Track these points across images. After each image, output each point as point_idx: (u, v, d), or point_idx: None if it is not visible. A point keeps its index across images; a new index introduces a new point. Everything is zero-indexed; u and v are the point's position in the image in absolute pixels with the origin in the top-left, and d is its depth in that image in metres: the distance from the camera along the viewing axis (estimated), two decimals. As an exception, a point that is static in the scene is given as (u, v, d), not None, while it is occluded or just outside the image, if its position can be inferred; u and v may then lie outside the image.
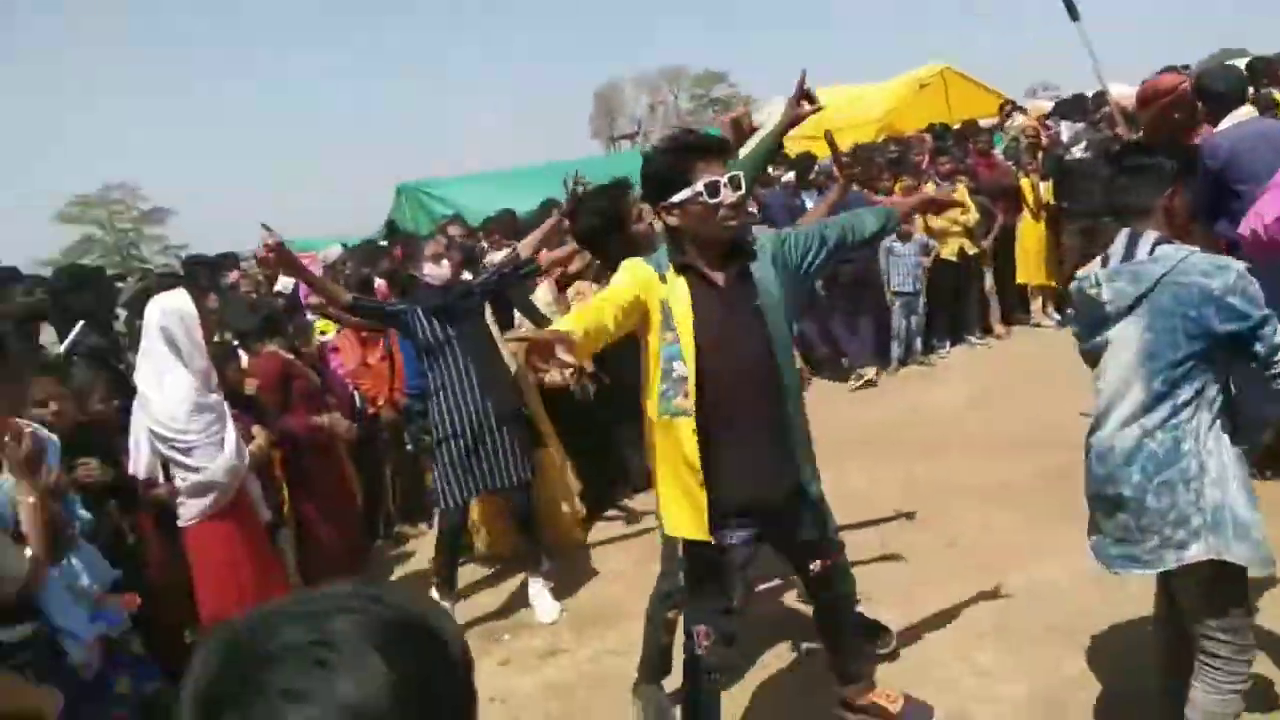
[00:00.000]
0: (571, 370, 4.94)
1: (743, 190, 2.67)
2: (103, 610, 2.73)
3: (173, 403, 3.59)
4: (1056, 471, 4.79)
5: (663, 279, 2.68)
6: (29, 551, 2.42)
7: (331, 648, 0.69)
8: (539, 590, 4.72)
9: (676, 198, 2.64)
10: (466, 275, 5.22)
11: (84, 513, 3.01)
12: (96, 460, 3.31)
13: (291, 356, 4.80)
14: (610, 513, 5.95)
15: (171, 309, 3.69)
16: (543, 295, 5.89)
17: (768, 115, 19.48)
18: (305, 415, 4.63)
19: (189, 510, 3.62)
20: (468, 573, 5.22)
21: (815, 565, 3.00)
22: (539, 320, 5.46)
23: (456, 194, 11.97)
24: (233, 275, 7.01)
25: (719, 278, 2.70)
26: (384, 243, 9.10)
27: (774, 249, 2.79)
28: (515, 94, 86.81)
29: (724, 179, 2.62)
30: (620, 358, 5.51)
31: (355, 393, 5.56)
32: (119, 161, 78.43)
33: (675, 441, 2.67)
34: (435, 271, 4.54)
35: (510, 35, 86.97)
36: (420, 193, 12.25)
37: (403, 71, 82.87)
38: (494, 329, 4.94)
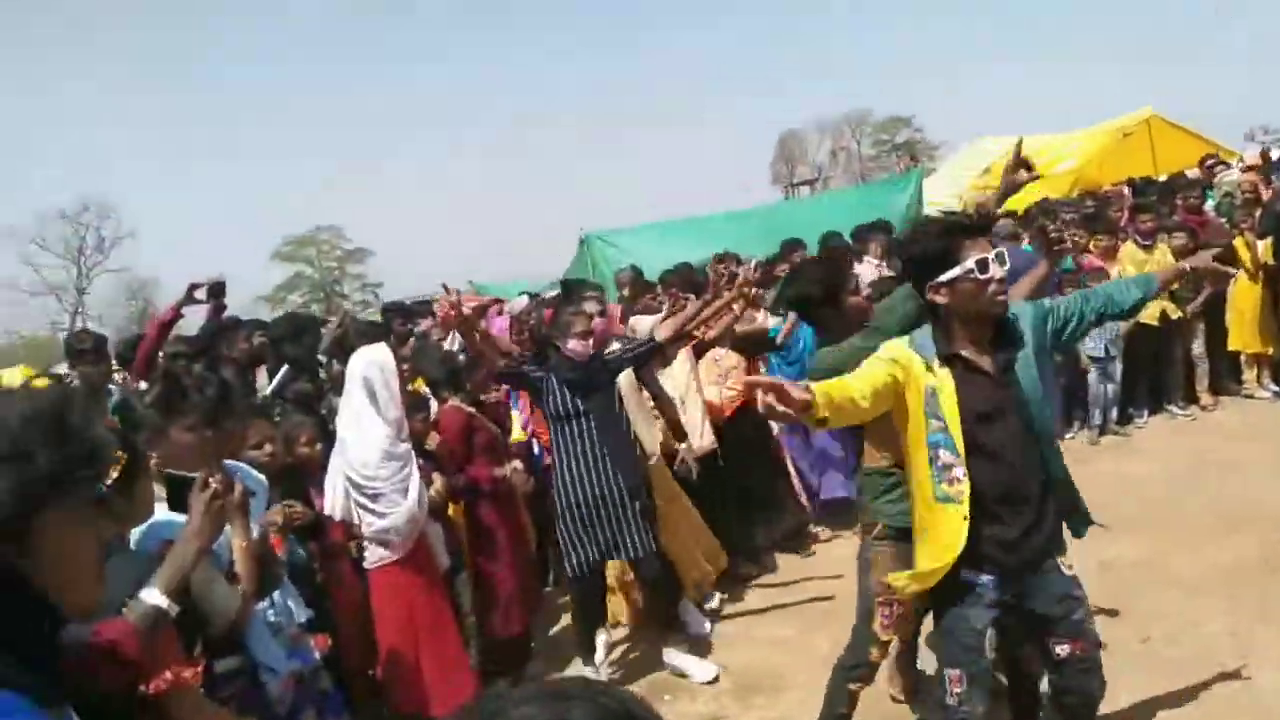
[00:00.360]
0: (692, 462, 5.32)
1: (1008, 266, 2.72)
2: (298, 648, 2.94)
3: (366, 450, 3.83)
4: (1269, 561, 4.38)
5: (929, 366, 2.74)
6: (240, 589, 2.64)
7: None
8: (679, 657, 4.75)
9: (945, 276, 2.71)
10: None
11: (300, 550, 3.27)
12: (300, 504, 3.57)
13: (473, 410, 5.01)
14: (768, 578, 5.88)
15: (374, 361, 3.96)
16: (680, 365, 5.80)
17: (954, 162, 18.95)
18: (486, 466, 4.81)
19: (372, 554, 3.85)
20: (625, 632, 5.28)
21: (1064, 648, 2.88)
22: (659, 392, 5.51)
23: (636, 243, 12.21)
24: (425, 323, 7.42)
25: (986, 363, 2.75)
26: (551, 294, 9.37)
27: (1034, 320, 2.84)
28: (696, 137, 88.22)
29: (991, 255, 2.69)
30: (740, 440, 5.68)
31: (534, 440, 5.75)
32: (326, 206, 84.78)
33: (941, 524, 2.75)
34: (577, 348, 4.59)
35: (693, 78, 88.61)
36: (601, 241, 12.59)
37: (585, 113, 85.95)
38: (631, 395, 5.07)
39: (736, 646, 5.01)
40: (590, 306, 4.89)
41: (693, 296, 8.50)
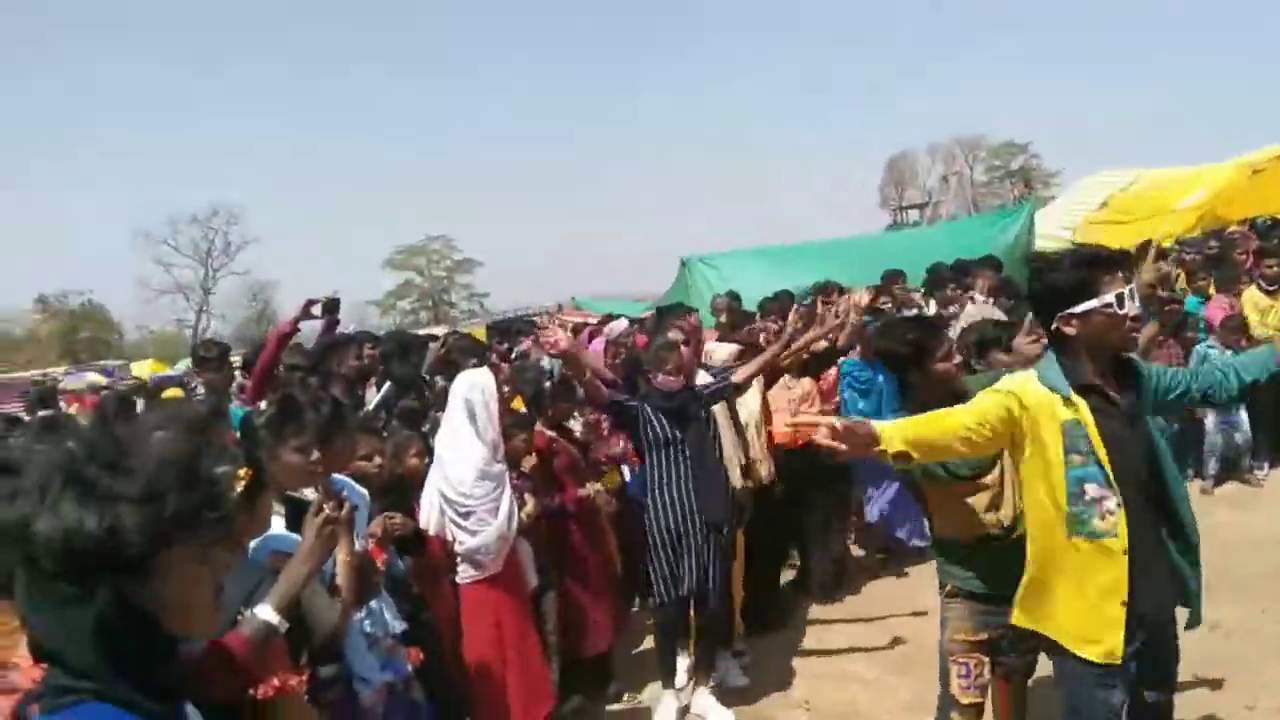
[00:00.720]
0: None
1: (1138, 303, 2.74)
2: (392, 659, 3.08)
3: (463, 468, 3.97)
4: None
5: (1066, 400, 2.70)
6: (340, 601, 2.78)
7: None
8: (707, 702, 4.75)
9: (1081, 308, 2.69)
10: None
11: (400, 563, 3.41)
12: (402, 515, 3.73)
13: (554, 434, 5.09)
14: (840, 613, 5.84)
15: (475, 383, 4.11)
16: (752, 393, 5.61)
17: (1069, 196, 18.36)
18: (571, 487, 4.91)
19: (464, 571, 3.98)
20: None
21: (1158, 696, 2.90)
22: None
23: (736, 269, 12.23)
24: (526, 342, 7.62)
25: (1118, 396, 2.74)
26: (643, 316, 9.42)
27: (1141, 378, 2.84)
28: (805, 158, 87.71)
29: (1127, 291, 2.68)
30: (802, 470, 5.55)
31: (625, 466, 5.83)
32: (436, 216, 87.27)
33: (1092, 563, 2.66)
34: (668, 383, 4.63)
35: (804, 96, 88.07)
36: (702, 265, 12.65)
37: (698, 135, 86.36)
38: (724, 422, 5.11)
39: (819, 677, 4.99)
40: (674, 335, 4.88)
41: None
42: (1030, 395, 2.71)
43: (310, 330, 5.52)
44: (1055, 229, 14.57)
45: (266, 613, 2.05)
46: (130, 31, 72.70)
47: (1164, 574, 2.77)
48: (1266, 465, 7.77)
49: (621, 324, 7.75)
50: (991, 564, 3.18)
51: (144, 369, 19.52)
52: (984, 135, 57.58)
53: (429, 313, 50.80)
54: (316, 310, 4.89)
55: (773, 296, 8.59)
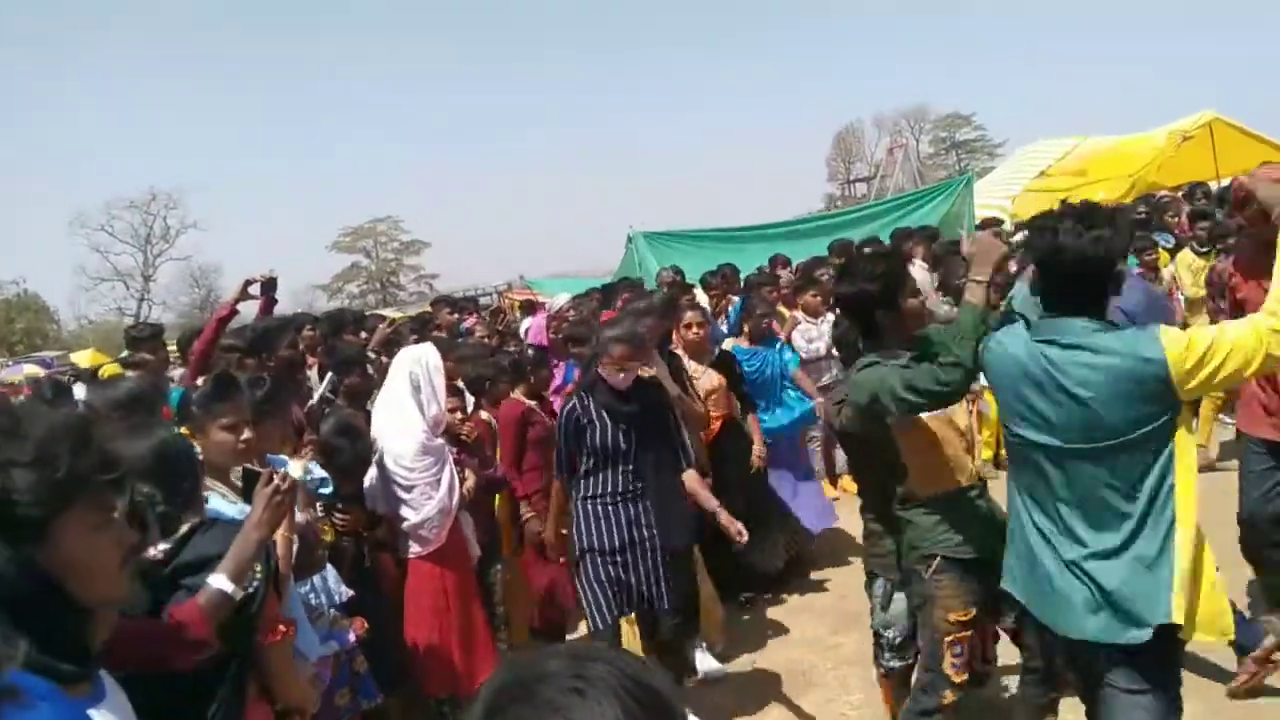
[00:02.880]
0: None
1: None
2: (336, 631, 3.12)
3: (404, 443, 3.99)
4: None
5: None
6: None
7: (587, 681, 0.88)
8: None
9: None
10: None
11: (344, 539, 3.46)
12: (358, 509, 3.83)
13: (533, 404, 5.14)
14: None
15: (420, 357, 4.13)
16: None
17: (1009, 165, 18.67)
18: (538, 459, 4.92)
19: (407, 545, 4.01)
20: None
21: None
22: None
23: (683, 245, 12.32)
24: (470, 320, 7.63)
25: None
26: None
27: None
28: (751, 132, 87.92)
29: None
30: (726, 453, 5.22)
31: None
32: (381, 196, 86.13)
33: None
34: (614, 379, 3.95)
35: (748, 70, 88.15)
36: (649, 241, 12.70)
37: (643, 110, 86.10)
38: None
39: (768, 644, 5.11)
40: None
41: (734, 298, 8.62)
42: None
43: (250, 312, 5.48)
44: (996, 198, 14.88)
45: (220, 581, 2.10)
46: (68, 9, 70.44)
47: None
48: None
49: (563, 297, 7.76)
50: (976, 522, 3.10)
51: (84, 359, 19.10)
52: (929, 106, 58.30)
53: (377, 295, 50.27)
54: (254, 290, 4.85)
55: (714, 270, 8.65)
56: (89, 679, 1.42)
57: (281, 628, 2.47)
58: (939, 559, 3.08)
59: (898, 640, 3.63)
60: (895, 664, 3.68)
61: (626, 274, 11.39)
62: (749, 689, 4.62)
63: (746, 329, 6.25)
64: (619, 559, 3.88)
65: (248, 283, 4.84)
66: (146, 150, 72.34)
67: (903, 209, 12.59)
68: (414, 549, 4.03)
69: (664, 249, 12.11)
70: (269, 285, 4.87)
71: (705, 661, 4.78)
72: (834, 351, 7.74)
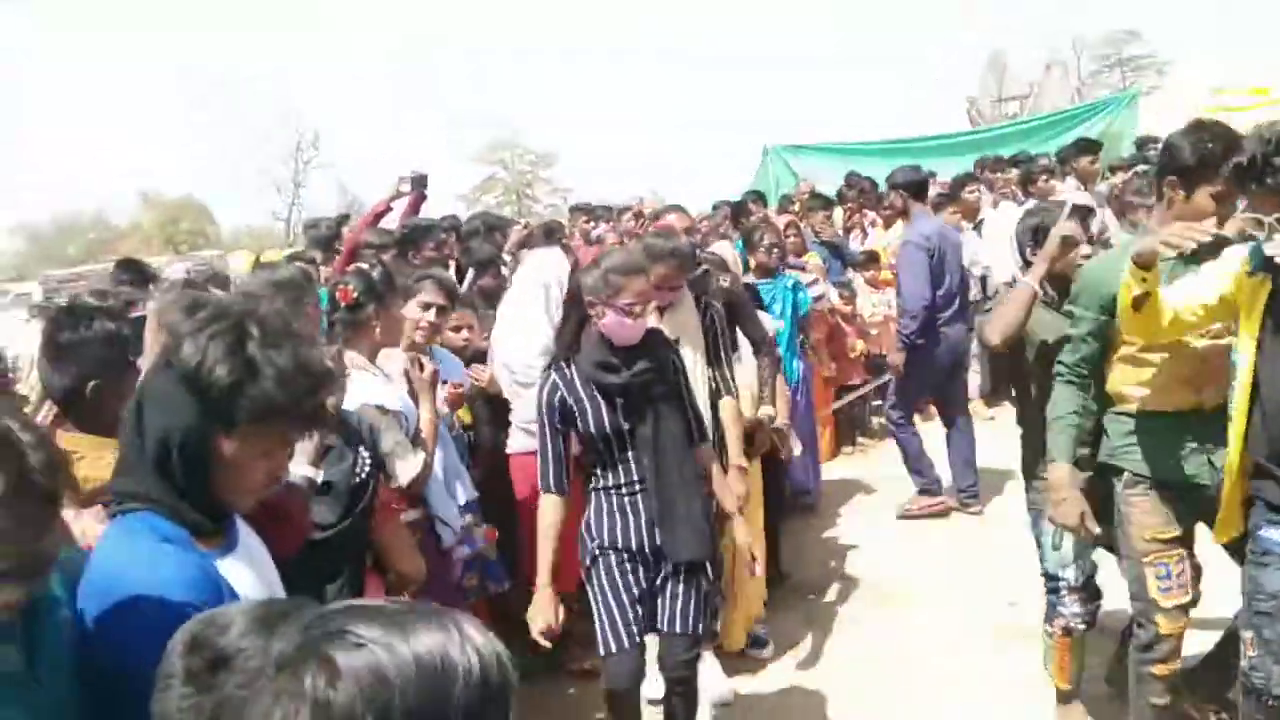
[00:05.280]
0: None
1: None
2: (469, 536, 3.28)
3: (529, 342, 4.05)
4: None
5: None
6: (423, 455, 2.98)
7: None
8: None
9: None
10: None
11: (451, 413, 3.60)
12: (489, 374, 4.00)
13: None
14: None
15: (549, 262, 4.21)
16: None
17: (1183, 80, 17.29)
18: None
19: (516, 441, 4.04)
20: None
21: None
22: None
23: (821, 161, 12.02)
24: (603, 227, 7.68)
25: None
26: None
27: None
28: (900, 48, 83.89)
29: None
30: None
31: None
32: (520, 107, 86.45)
33: None
34: (621, 329, 2.95)
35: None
36: (786, 155, 12.45)
37: (785, 29, 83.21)
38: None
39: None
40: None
41: (872, 213, 8.39)
42: None
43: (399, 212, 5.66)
44: (1166, 118, 13.84)
45: (300, 467, 2.18)
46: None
47: None
48: None
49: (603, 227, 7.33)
50: (1178, 448, 2.86)
51: (241, 260, 20.23)
52: (1091, 23, 54.19)
53: (513, 207, 51.11)
54: (405, 187, 5.02)
55: (850, 184, 8.41)
56: (221, 533, 1.56)
57: (393, 506, 2.59)
58: (1127, 474, 2.93)
59: (1080, 581, 3.27)
60: (1079, 614, 3.27)
61: (758, 189, 11.22)
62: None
63: (753, 262, 5.41)
64: (640, 561, 3.04)
65: (400, 180, 5.02)
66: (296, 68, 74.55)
67: (1060, 125, 11.90)
68: (522, 443, 3.96)
69: (803, 163, 11.85)
70: (419, 182, 5.03)
71: (714, 682, 3.83)
72: (972, 271, 7.51)
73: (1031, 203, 8.25)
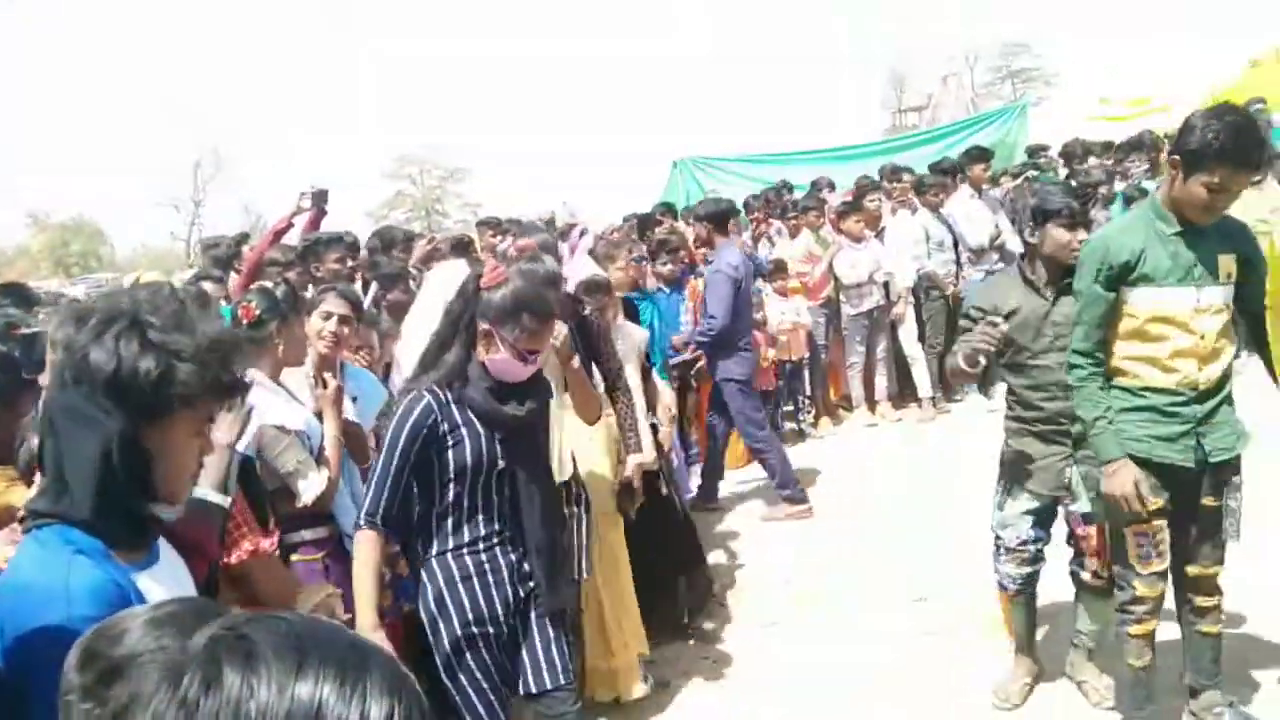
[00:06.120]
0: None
1: None
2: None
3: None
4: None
5: None
6: (327, 472, 2.93)
7: None
8: None
9: None
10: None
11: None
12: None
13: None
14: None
15: (456, 277, 4.17)
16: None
17: (1070, 91, 18.06)
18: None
19: None
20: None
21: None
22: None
23: (730, 171, 12.19)
24: (506, 242, 7.64)
25: None
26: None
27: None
28: (802, 63, 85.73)
29: None
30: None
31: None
32: (429, 123, 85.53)
33: None
34: (511, 368, 2.62)
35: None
36: (696, 166, 12.58)
37: (682, 38, 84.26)
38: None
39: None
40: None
41: (778, 222, 8.55)
42: None
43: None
44: (1054, 127, 14.45)
45: (204, 492, 2.07)
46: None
47: None
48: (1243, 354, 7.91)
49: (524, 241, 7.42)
50: (1158, 427, 2.93)
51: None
52: (985, 35, 56.28)
53: (422, 223, 50.46)
54: (306, 203, 4.92)
55: (758, 195, 8.57)
56: (142, 548, 1.52)
57: (263, 544, 2.30)
58: None
59: (1016, 543, 3.42)
60: (1010, 575, 3.44)
61: (668, 200, 11.32)
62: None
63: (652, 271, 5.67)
64: (505, 625, 2.63)
65: (301, 196, 4.92)
66: (201, 81, 72.41)
67: (956, 135, 12.32)
68: None
69: (711, 175, 11.99)
70: (319, 198, 4.93)
71: None
72: (875, 278, 7.72)
73: (1002, 188, 8.51)
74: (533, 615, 2.67)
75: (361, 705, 0.73)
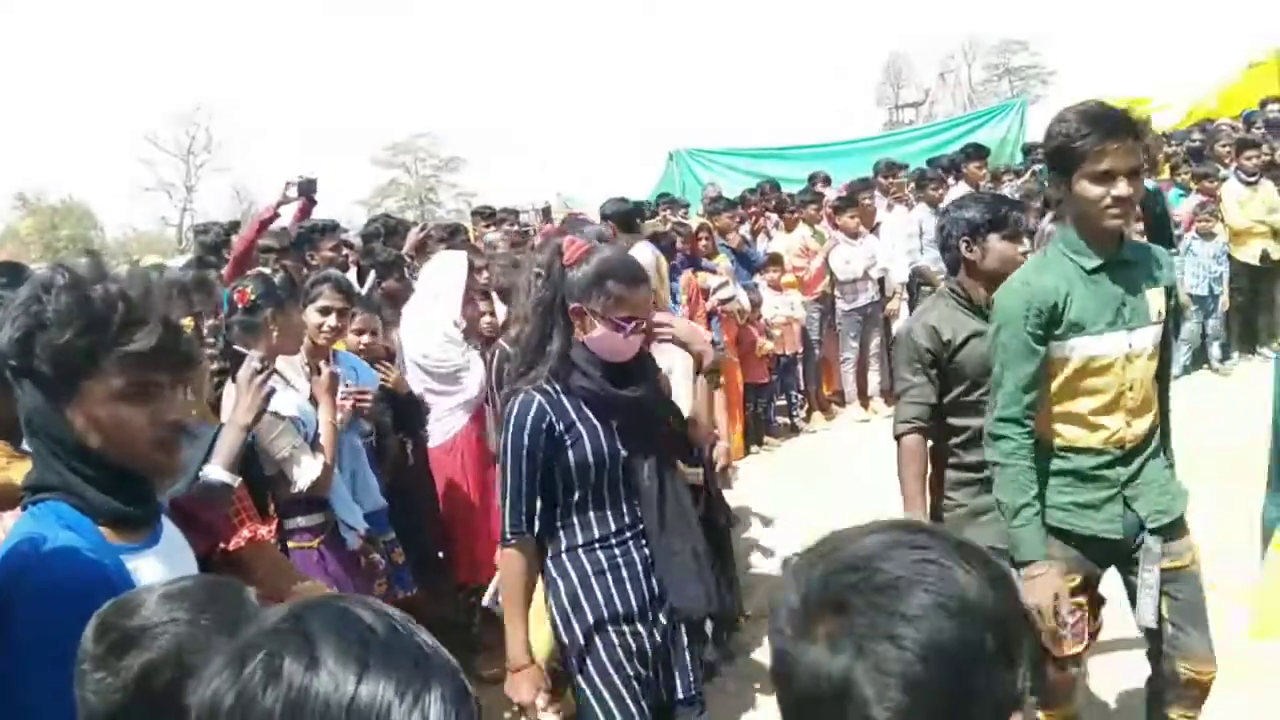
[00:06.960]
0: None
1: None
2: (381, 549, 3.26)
3: (430, 334, 4.01)
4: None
5: None
6: (322, 459, 2.92)
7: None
8: None
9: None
10: None
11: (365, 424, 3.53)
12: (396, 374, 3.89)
13: None
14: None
15: (448, 265, 4.17)
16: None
17: (1068, 89, 18.07)
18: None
19: (436, 436, 4.05)
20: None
21: None
22: None
23: (726, 164, 12.18)
24: (497, 234, 7.64)
25: None
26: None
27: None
28: (798, 56, 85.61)
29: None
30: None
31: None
32: (424, 111, 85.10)
33: None
34: (614, 345, 2.41)
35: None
36: (691, 159, 12.57)
37: (679, 29, 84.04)
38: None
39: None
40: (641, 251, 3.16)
41: (776, 216, 8.54)
42: None
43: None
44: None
45: (215, 471, 2.15)
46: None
47: None
48: (1236, 354, 7.97)
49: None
50: (1082, 492, 2.58)
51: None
52: (982, 33, 56.27)
53: (415, 212, 50.33)
54: (292, 192, 4.89)
55: (754, 189, 8.56)
56: (137, 527, 1.51)
57: (261, 531, 2.29)
58: None
59: None
60: None
61: (666, 190, 11.30)
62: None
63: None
64: (641, 624, 2.49)
65: (287, 185, 4.89)
66: (194, 65, 71.95)
67: (954, 131, 12.33)
68: (448, 428, 4.05)
69: (707, 166, 11.99)
70: (306, 187, 4.90)
71: None
72: (870, 274, 7.74)
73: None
74: (672, 623, 2.52)
75: (424, 714, 0.74)
